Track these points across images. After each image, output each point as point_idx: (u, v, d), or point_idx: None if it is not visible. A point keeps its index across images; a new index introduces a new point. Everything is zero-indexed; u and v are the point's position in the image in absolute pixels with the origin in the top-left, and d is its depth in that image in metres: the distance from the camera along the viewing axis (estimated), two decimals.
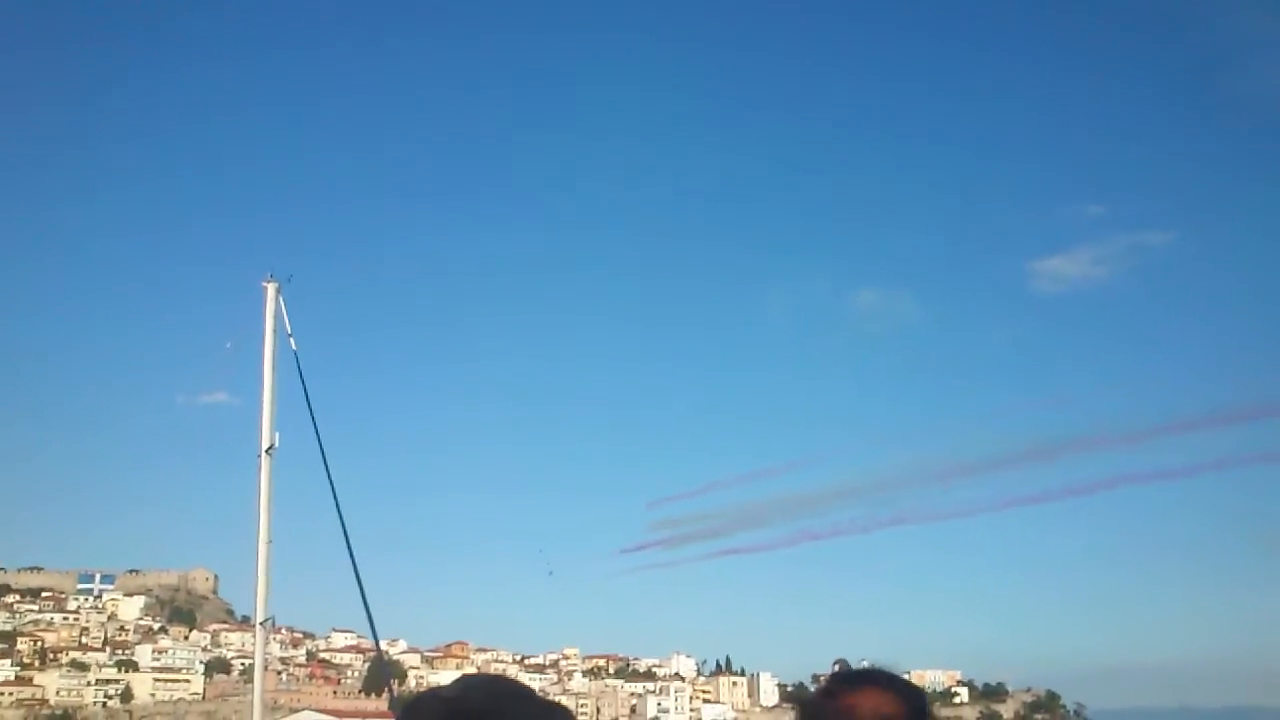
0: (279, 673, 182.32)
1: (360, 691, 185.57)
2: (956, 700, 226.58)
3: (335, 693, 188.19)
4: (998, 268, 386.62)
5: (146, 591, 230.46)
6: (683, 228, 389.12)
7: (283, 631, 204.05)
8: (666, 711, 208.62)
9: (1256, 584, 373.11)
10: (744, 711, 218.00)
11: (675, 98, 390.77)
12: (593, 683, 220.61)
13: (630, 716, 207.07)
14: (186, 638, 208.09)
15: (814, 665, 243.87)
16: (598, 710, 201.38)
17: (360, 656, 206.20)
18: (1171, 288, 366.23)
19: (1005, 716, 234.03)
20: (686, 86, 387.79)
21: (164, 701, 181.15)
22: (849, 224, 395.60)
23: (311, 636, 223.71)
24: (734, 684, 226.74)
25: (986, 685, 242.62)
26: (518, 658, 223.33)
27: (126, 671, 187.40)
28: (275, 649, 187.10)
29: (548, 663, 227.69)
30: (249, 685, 22.69)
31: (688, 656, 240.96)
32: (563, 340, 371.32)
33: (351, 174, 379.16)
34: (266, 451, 21.32)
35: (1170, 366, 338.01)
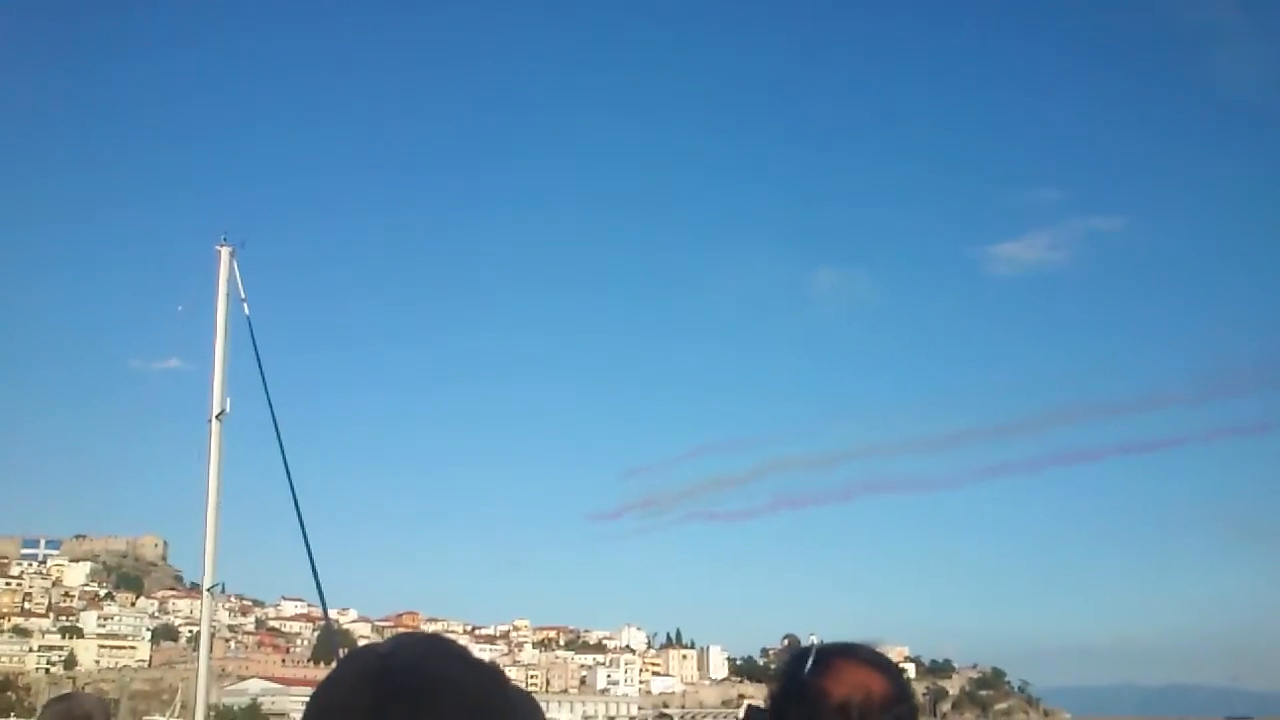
0: (227, 640, 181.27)
1: (309, 660, 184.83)
2: (903, 676, 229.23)
3: (284, 661, 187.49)
4: (954, 251, 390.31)
5: (94, 558, 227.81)
6: (643, 201, 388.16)
7: (232, 599, 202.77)
8: (616, 683, 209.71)
9: (1200, 564, 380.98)
10: (693, 684, 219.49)
11: (636, 74, 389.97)
12: (543, 654, 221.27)
13: (580, 688, 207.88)
14: (133, 604, 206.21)
15: (763, 639, 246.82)
16: (547, 682, 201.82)
17: (310, 625, 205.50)
18: (1125, 272, 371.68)
19: (951, 693, 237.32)
20: (647, 62, 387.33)
21: (109, 669, 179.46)
22: (808, 204, 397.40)
23: (261, 604, 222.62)
24: (684, 657, 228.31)
25: (933, 662, 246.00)
26: (468, 628, 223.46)
27: (70, 638, 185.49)
28: (224, 616, 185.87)
29: (498, 634, 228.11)
30: (196, 653, 22.40)
31: (638, 629, 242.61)
32: (520, 314, 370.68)
33: (310, 143, 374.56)
34: (217, 417, 21.02)
35: (1123, 348, 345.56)
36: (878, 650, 2.76)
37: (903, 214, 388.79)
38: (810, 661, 2.66)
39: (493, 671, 1.86)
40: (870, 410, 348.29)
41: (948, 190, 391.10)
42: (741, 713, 3.04)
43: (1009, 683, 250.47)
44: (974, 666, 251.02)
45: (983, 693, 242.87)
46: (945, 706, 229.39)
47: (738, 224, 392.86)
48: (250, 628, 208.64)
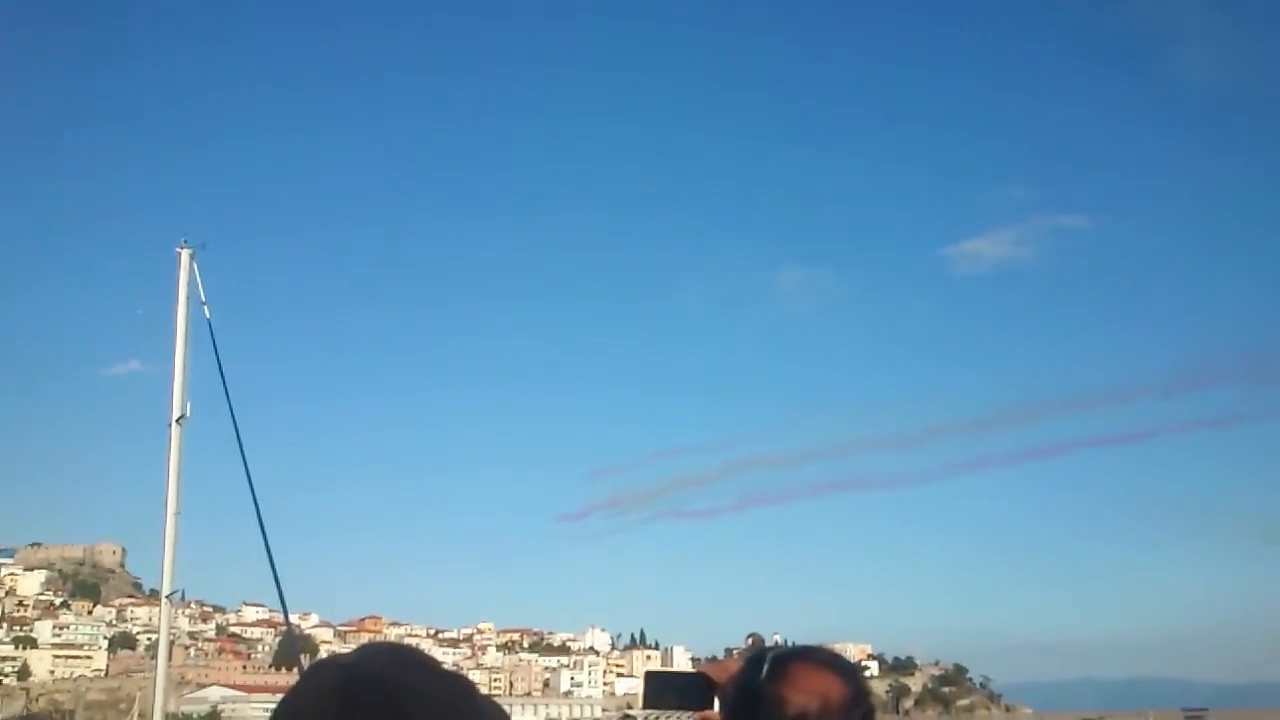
0: (187, 648, 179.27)
1: (271, 666, 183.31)
2: (866, 674, 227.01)
3: (245, 667, 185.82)
4: (920, 248, 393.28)
5: (49, 565, 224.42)
6: (608, 203, 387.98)
7: (192, 605, 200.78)
8: (580, 685, 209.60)
9: (1161, 558, 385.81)
10: None
11: (596, 73, 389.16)
12: (507, 657, 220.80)
13: (544, 690, 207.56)
14: (90, 612, 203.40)
15: (728, 639, 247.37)
16: (511, 684, 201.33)
17: (271, 631, 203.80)
18: (1092, 268, 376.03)
19: (914, 689, 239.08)
20: (606, 62, 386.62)
21: (63, 679, 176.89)
22: (772, 203, 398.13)
23: (222, 610, 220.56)
24: (648, 657, 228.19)
25: (896, 659, 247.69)
26: (432, 632, 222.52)
27: (24, 648, 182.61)
28: (183, 623, 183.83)
29: (462, 637, 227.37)
30: (154, 661, 22.04)
31: (602, 630, 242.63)
32: (485, 317, 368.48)
33: (278, 145, 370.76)
34: (177, 421, 20.71)
35: (1092, 344, 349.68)
36: (835, 652, 2.68)
37: (867, 212, 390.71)
38: (766, 667, 2.57)
39: (461, 681, 1.81)
40: (839, 408, 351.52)
41: (913, 188, 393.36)
42: (642, 683, 3.06)
43: (971, 679, 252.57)
44: (936, 663, 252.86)
45: (945, 689, 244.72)
46: (908, 704, 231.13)
47: (703, 224, 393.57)
48: (211, 634, 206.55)
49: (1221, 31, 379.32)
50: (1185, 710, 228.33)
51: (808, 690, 2.51)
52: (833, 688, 2.53)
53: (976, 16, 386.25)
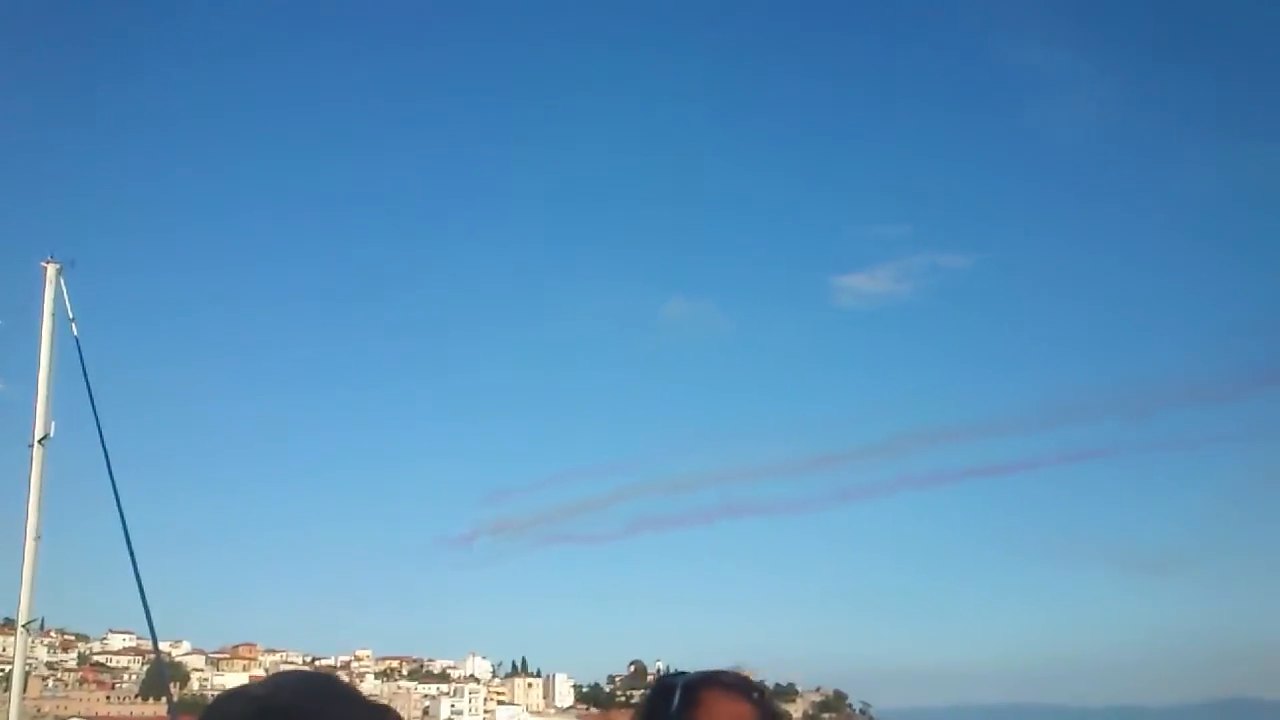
0: (44, 678, 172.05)
1: (137, 695, 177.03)
2: (769, 698, 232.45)
3: (109, 697, 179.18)
4: (803, 282, 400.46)
5: None
6: (498, 222, 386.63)
7: (52, 634, 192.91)
8: (460, 713, 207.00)
9: (1031, 587, 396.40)
10: (539, 713, 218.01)
11: (492, 99, 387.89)
12: (385, 685, 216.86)
13: (423, 718, 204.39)
14: None
15: (610, 666, 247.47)
16: None
17: (140, 659, 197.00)
18: (969, 308, 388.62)
19: (795, 716, 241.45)
20: (503, 88, 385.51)
21: None
22: (659, 232, 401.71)
23: (86, 639, 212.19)
24: (529, 685, 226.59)
25: (778, 685, 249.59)
26: (308, 659, 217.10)
27: None
28: (42, 653, 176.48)
29: (339, 664, 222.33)
30: (8, 693, 21.16)
31: (483, 658, 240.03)
32: (371, 329, 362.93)
33: (145, 160, 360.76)
34: (39, 441, 19.98)
35: (971, 378, 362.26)
36: (741, 674, 2.58)
37: (753, 243, 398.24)
38: (678, 697, 2.46)
39: (384, 712, 1.67)
40: (728, 435, 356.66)
41: (798, 223, 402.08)
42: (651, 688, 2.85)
43: (851, 705, 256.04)
44: (817, 690, 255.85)
45: (825, 716, 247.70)
46: None
47: (595, 250, 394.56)
48: (72, 664, 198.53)
49: (1094, 80, 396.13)
50: None
51: (722, 718, 2.42)
52: (745, 713, 2.46)
53: (861, 66, 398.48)
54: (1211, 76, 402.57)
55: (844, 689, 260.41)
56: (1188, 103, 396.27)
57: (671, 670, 2.70)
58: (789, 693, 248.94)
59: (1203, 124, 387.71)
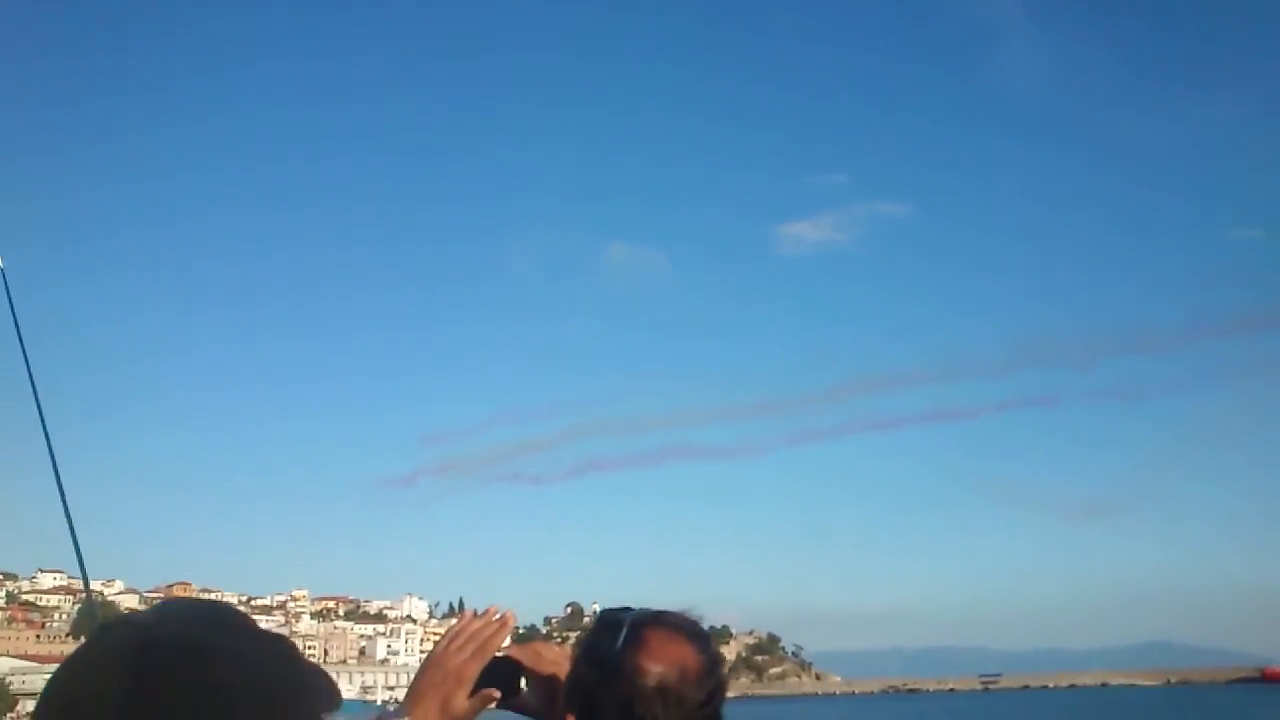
0: None
1: (68, 635, 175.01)
2: (711, 641, 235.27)
3: (39, 637, 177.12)
4: (745, 230, 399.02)
5: None
6: (441, 168, 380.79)
7: None
8: (396, 653, 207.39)
9: (964, 532, 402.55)
10: None
11: (429, 51, 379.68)
12: (321, 624, 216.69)
13: (359, 658, 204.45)
14: None
15: (546, 608, 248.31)
16: (325, 652, 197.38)
17: (70, 598, 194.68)
18: (910, 256, 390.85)
19: (729, 658, 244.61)
20: (441, 41, 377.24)
21: None
22: (599, 179, 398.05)
23: (14, 578, 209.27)
24: None
25: (712, 627, 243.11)
26: (244, 599, 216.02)
27: None
28: None
29: (275, 604, 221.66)
30: None
31: (420, 599, 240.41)
32: (314, 273, 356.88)
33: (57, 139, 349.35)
34: None
35: (909, 329, 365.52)
36: (686, 615, 2.58)
37: (696, 189, 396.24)
38: (623, 634, 2.44)
39: (280, 642, 1.57)
40: (674, 379, 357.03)
41: (740, 170, 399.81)
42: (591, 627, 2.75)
43: (783, 648, 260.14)
44: (750, 632, 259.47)
45: (758, 658, 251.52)
46: (722, 671, 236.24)
47: (536, 193, 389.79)
48: (0, 603, 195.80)
49: (1037, 32, 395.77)
50: (981, 676, 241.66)
51: (666, 659, 2.41)
52: (689, 656, 2.45)
53: (805, 12, 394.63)
54: (1160, 27, 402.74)
55: (777, 632, 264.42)
56: (1136, 53, 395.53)
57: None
58: (723, 635, 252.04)
59: (1151, 75, 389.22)
